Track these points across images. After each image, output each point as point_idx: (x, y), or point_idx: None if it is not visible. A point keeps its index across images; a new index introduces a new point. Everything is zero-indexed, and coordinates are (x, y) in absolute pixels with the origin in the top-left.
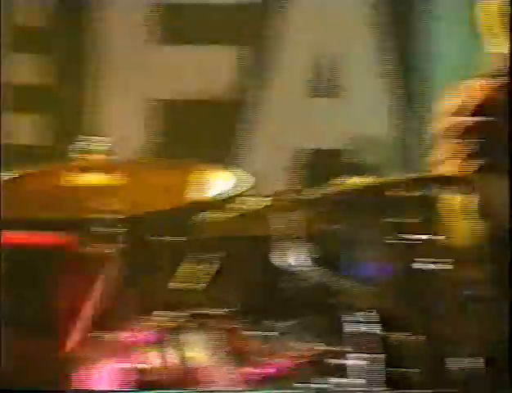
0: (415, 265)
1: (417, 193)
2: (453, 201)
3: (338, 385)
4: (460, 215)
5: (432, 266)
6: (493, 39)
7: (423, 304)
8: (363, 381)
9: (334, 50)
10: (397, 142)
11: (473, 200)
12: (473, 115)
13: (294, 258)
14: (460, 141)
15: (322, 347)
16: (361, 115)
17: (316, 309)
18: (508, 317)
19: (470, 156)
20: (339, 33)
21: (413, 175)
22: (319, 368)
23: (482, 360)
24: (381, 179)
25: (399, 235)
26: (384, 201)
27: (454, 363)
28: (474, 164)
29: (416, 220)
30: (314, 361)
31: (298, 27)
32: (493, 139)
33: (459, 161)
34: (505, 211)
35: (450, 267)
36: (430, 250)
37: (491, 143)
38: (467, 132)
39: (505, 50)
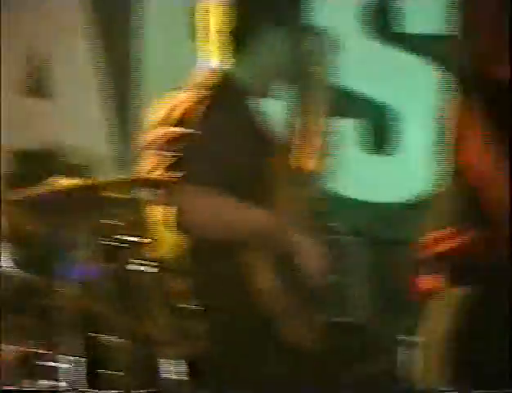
0: (127, 267)
1: (128, 196)
2: (157, 209)
3: (42, 387)
4: (163, 225)
5: (141, 268)
6: (205, 50)
7: (132, 306)
8: (65, 383)
9: (46, 50)
10: (110, 146)
11: (172, 211)
12: (175, 126)
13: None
14: (162, 151)
15: (28, 349)
16: (74, 115)
17: (21, 311)
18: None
19: (171, 167)
20: (52, 33)
21: (123, 177)
22: (26, 369)
23: (185, 363)
24: (91, 180)
25: (111, 236)
26: (95, 203)
27: (162, 366)
28: (174, 176)
29: (127, 222)
30: (21, 362)
31: (14, 25)
32: (193, 151)
33: (161, 172)
34: (203, 224)
35: (156, 270)
36: (140, 252)
37: (191, 155)
38: (168, 143)
39: (214, 63)
